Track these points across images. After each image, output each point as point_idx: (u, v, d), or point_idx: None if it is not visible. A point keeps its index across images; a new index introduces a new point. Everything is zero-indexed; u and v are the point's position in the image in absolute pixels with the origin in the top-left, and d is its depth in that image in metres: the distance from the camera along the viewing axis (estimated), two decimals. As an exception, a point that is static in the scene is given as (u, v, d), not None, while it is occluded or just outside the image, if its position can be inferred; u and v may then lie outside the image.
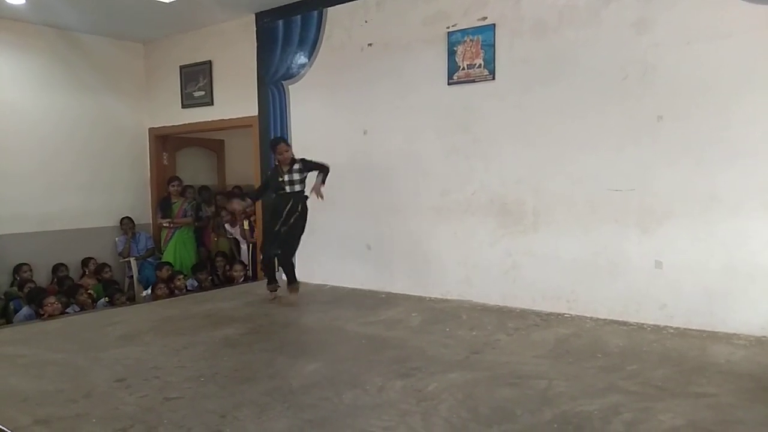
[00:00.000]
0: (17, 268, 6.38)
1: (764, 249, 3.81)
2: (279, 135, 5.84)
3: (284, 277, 5.16)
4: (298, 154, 6.08)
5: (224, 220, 7.20)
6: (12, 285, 6.31)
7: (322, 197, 4.87)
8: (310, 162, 4.99)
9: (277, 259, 5.16)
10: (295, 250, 5.12)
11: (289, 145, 5.08)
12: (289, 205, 4.93)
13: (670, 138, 4.11)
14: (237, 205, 5.36)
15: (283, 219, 4.93)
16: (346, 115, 5.73)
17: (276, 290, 5.22)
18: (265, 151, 6.38)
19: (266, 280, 5.30)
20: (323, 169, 4.95)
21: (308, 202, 5.01)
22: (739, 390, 2.94)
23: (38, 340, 4.12)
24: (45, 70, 6.71)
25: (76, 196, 6.92)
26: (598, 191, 4.40)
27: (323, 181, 4.93)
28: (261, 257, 5.28)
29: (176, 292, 6.16)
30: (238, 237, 7.09)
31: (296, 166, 4.94)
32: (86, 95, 7.00)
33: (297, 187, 4.95)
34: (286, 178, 4.93)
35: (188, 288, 6.35)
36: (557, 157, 4.57)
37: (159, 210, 7.14)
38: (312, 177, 5.00)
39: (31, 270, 6.40)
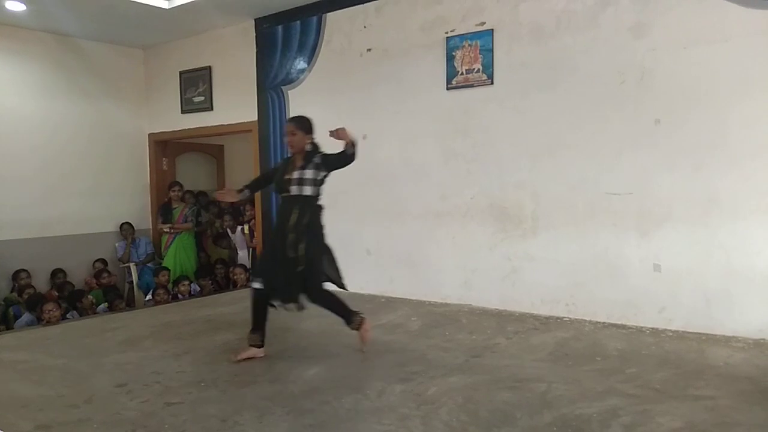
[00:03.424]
0: (15, 275, 6.38)
1: (762, 252, 3.83)
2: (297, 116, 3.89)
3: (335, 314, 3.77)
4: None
5: (226, 225, 7.20)
6: (12, 291, 6.32)
7: (340, 135, 3.58)
8: (333, 156, 3.64)
9: (307, 297, 3.65)
10: (320, 278, 3.67)
11: (302, 129, 3.68)
12: (295, 217, 3.57)
13: (668, 142, 4.13)
14: (230, 196, 3.93)
15: (288, 236, 3.55)
16: (345, 120, 5.65)
17: (259, 344, 3.66)
18: (264, 156, 6.39)
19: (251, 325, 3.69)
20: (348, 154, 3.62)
21: (322, 214, 3.75)
22: (738, 393, 2.95)
23: (39, 345, 4.12)
24: (45, 76, 6.73)
25: (76, 202, 6.93)
26: (596, 195, 4.42)
27: (352, 148, 3.58)
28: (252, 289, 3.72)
29: (179, 296, 6.18)
30: (238, 243, 7.08)
31: (314, 161, 3.64)
32: (86, 101, 7.02)
33: (306, 190, 3.60)
34: (295, 174, 3.61)
35: (191, 293, 6.37)
36: (556, 161, 4.59)
37: (159, 215, 7.15)
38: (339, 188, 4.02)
39: (29, 276, 6.41)
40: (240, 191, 3.89)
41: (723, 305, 3.97)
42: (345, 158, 3.62)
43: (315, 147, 3.73)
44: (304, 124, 3.73)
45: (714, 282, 3.99)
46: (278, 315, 4.78)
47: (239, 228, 7.01)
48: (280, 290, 3.62)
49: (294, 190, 3.62)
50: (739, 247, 3.90)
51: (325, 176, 3.71)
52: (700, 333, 3.99)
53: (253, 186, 4.02)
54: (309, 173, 3.62)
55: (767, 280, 3.82)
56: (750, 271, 3.87)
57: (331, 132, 3.60)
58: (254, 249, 6.74)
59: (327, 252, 3.77)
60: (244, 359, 3.61)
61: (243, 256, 6.99)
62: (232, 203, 6.55)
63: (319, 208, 3.73)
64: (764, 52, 3.79)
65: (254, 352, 3.66)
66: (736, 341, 3.81)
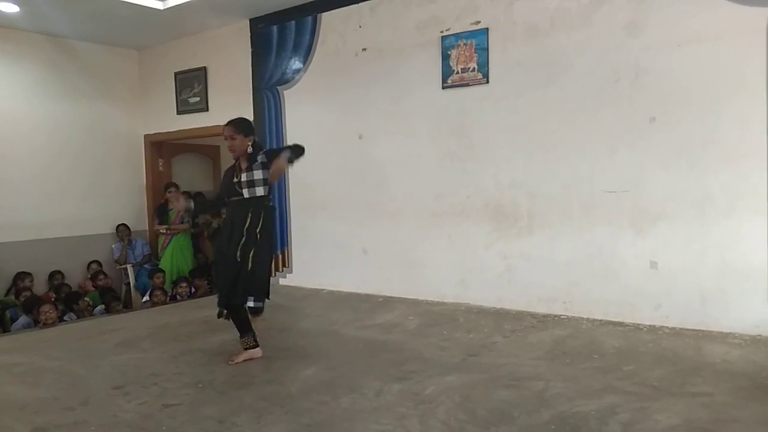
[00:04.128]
0: (18, 277, 6.35)
1: (757, 249, 3.84)
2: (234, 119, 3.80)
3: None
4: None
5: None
6: (7, 293, 6.29)
7: (280, 171, 3.64)
8: (275, 150, 3.70)
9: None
10: (261, 282, 3.65)
11: (241, 132, 3.62)
12: (249, 219, 3.55)
13: (662, 140, 4.14)
14: (179, 203, 3.92)
15: (240, 239, 3.53)
16: (341, 119, 5.75)
17: (253, 345, 3.67)
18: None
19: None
20: (293, 149, 3.66)
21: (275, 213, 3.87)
22: (735, 389, 2.96)
23: (35, 348, 4.12)
24: (39, 77, 6.70)
25: (72, 204, 6.91)
26: (592, 193, 4.43)
27: (290, 159, 3.61)
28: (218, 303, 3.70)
29: (178, 298, 6.16)
30: None
31: (258, 160, 3.61)
32: (81, 102, 7.00)
33: (259, 191, 3.57)
34: (243, 177, 3.57)
35: (190, 294, 6.37)
36: (551, 160, 4.59)
37: (156, 216, 7.14)
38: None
39: (32, 280, 6.37)
40: (187, 200, 3.89)
41: (719, 302, 3.98)
42: (290, 149, 3.67)
43: (257, 147, 3.70)
44: (242, 127, 3.66)
45: (709, 279, 4.00)
46: (276, 315, 4.78)
47: None
48: (224, 295, 3.61)
49: (246, 193, 3.58)
50: (734, 244, 3.91)
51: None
52: (696, 330, 3.99)
53: (201, 206, 4.02)
54: (258, 173, 3.58)
55: (762, 277, 3.83)
56: (745, 267, 3.88)
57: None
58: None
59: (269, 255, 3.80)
60: (242, 362, 3.60)
61: None
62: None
63: (273, 209, 3.76)
64: (758, 50, 3.79)
65: (251, 353, 3.66)
66: (732, 338, 3.82)
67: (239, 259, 3.52)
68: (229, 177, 3.68)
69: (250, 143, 3.64)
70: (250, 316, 3.76)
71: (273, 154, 3.66)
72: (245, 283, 3.53)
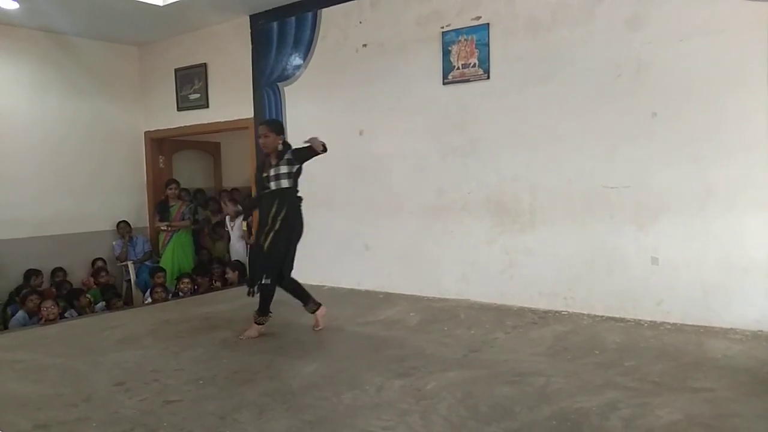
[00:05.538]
0: (28, 274, 6.36)
1: (759, 244, 3.83)
2: (268, 119, 4.43)
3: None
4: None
5: (227, 212, 7.18)
6: (18, 290, 6.28)
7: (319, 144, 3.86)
8: (302, 150, 3.94)
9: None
10: (275, 263, 3.98)
11: (274, 131, 4.02)
12: (274, 209, 3.91)
13: (664, 134, 4.13)
14: (230, 208, 5.03)
15: (268, 228, 3.93)
16: (341, 115, 5.74)
17: (260, 323, 4.10)
18: (260, 153, 6.37)
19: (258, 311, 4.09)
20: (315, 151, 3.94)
21: (302, 205, 4.07)
22: (736, 384, 2.96)
23: (37, 344, 4.12)
24: (39, 74, 6.70)
25: (72, 201, 6.91)
26: (593, 188, 4.42)
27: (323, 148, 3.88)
28: (250, 286, 4.15)
29: (180, 294, 6.17)
30: (235, 233, 7.05)
31: (285, 157, 3.97)
32: (81, 99, 7.00)
33: (284, 183, 3.93)
34: (272, 172, 3.96)
35: (193, 290, 6.37)
36: (553, 155, 4.59)
37: (157, 213, 7.14)
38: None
39: (42, 278, 6.39)
40: (236, 206, 4.52)
41: (720, 297, 3.97)
42: (311, 150, 3.91)
43: (286, 146, 4.07)
44: (275, 127, 4.09)
45: (711, 274, 4.00)
46: (277, 311, 4.79)
47: (240, 218, 6.99)
48: (255, 274, 4.08)
49: (273, 185, 3.96)
50: (736, 239, 3.91)
51: (299, 168, 4.03)
52: (698, 325, 3.99)
53: (249, 206, 4.73)
54: (283, 168, 3.96)
55: (763, 272, 3.83)
56: (747, 262, 3.87)
57: (306, 141, 3.94)
58: (250, 246, 6.74)
59: (291, 245, 4.07)
60: (254, 338, 4.04)
61: (239, 249, 6.96)
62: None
63: (298, 199, 4.06)
64: (759, 43, 3.78)
65: (257, 329, 4.09)
66: (733, 333, 3.82)
67: (262, 243, 3.96)
68: (260, 173, 4.07)
69: (280, 141, 4.04)
70: (254, 322, 4.12)
71: (299, 155, 3.98)
72: (262, 263, 4.00)
